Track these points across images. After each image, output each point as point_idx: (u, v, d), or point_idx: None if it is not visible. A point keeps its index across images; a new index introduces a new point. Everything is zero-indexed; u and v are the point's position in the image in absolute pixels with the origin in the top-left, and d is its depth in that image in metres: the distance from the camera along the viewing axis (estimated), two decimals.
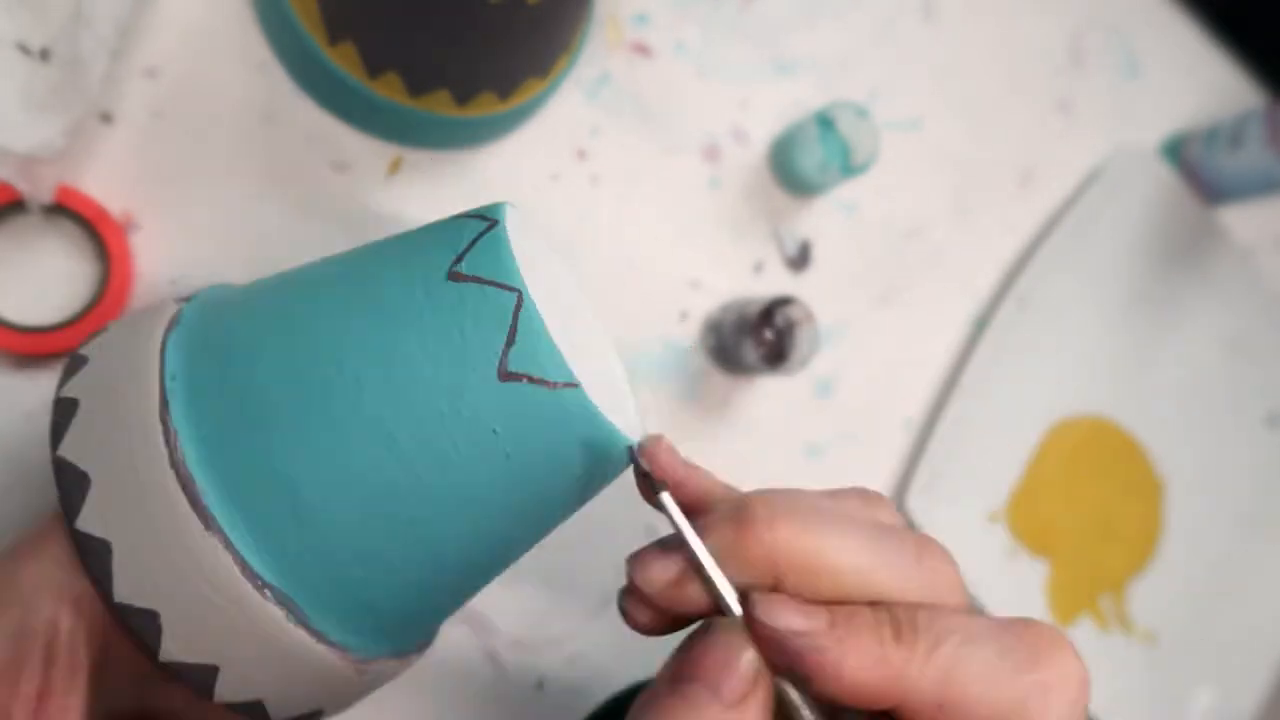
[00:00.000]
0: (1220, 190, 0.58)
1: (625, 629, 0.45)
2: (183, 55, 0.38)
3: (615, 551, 0.44)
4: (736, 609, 0.22)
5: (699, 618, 0.23)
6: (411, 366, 0.23)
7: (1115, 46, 0.60)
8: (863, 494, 0.25)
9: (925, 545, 0.23)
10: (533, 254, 0.26)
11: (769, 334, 0.43)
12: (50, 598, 0.25)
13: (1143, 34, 0.61)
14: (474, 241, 0.24)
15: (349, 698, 0.27)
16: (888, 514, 0.25)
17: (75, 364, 0.26)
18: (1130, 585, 0.56)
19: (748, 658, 0.21)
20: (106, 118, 0.37)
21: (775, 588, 0.22)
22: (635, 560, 0.23)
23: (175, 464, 0.23)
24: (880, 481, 0.50)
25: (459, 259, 0.24)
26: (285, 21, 0.37)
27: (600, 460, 0.24)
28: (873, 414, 0.51)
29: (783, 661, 0.21)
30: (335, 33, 0.36)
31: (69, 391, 0.25)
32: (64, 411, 0.25)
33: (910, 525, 0.49)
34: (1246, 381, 0.61)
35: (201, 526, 0.23)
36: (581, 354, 0.25)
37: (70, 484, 0.24)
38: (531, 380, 0.23)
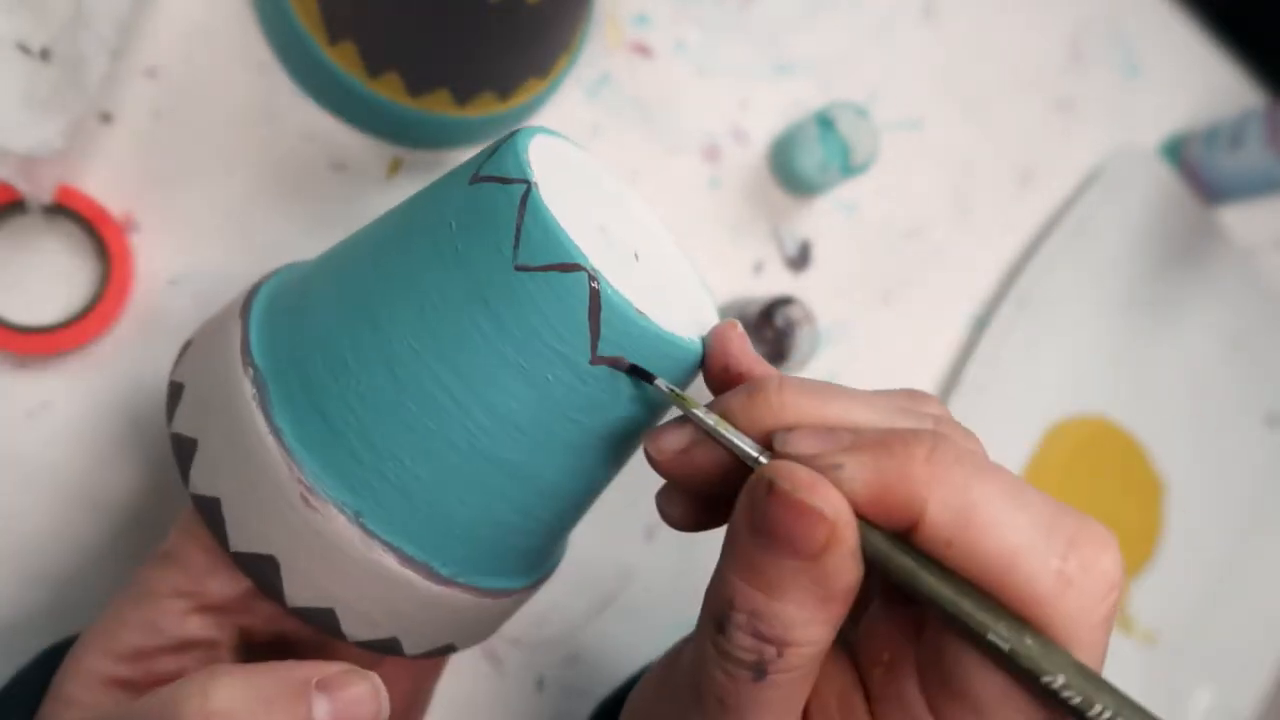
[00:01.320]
0: (1220, 190, 0.58)
1: (625, 629, 0.45)
2: (183, 55, 0.38)
3: (615, 552, 0.44)
4: (751, 450, 0.22)
5: (718, 496, 0.23)
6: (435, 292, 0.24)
7: (1115, 46, 0.60)
8: (908, 391, 0.24)
9: (946, 420, 0.23)
10: (573, 164, 0.26)
11: (769, 334, 0.43)
12: (180, 604, 0.27)
13: (1143, 34, 0.61)
14: (493, 150, 0.25)
15: (479, 630, 0.28)
16: (932, 407, 0.23)
17: (183, 349, 0.29)
18: (1130, 585, 0.56)
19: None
20: (106, 118, 0.37)
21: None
22: (649, 435, 0.24)
23: (272, 430, 0.25)
24: None
25: (479, 167, 0.25)
26: (285, 21, 0.37)
27: (629, 346, 0.24)
28: None
29: None
30: (335, 33, 0.36)
31: (177, 375, 0.28)
32: (173, 392, 0.28)
33: None
34: (1246, 381, 0.61)
35: (298, 485, 0.24)
36: (628, 258, 0.25)
37: (182, 451, 0.26)
38: (546, 269, 0.23)
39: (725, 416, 0.22)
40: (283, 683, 0.22)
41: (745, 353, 0.25)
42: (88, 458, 0.36)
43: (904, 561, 0.20)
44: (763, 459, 0.21)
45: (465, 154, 0.42)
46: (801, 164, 0.47)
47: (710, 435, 0.22)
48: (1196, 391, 0.59)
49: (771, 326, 0.43)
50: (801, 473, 0.20)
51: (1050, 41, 0.58)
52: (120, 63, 0.37)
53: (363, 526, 0.25)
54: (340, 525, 0.24)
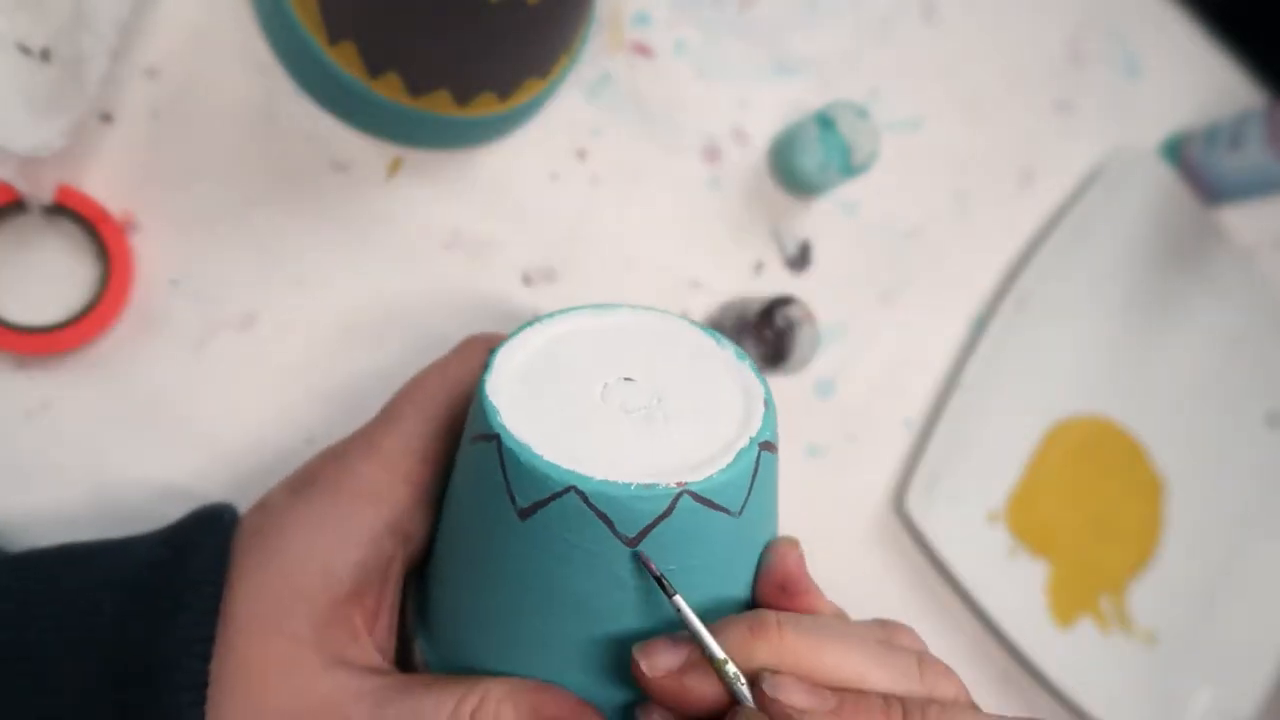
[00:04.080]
0: (1220, 190, 0.58)
1: None
2: (183, 55, 0.38)
3: None
4: (748, 695, 0.23)
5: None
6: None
7: (1115, 46, 0.60)
8: (882, 621, 0.27)
9: (927, 660, 0.25)
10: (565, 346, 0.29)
11: (769, 334, 0.43)
12: (390, 540, 0.29)
13: (1143, 34, 0.61)
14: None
15: None
16: (907, 639, 0.26)
17: None
18: (1130, 585, 0.56)
19: None
20: (106, 118, 0.37)
21: None
22: (642, 648, 0.25)
23: None
24: (880, 481, 0.50)
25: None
26: (285, 21, 0.37)
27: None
28: (873, 414, 0.51)
29: None
30: (335, 33, 0.36)
31: None
32: None
33: (914, 532, 0.49)
34: (1246, 381, 0.61)
35: None
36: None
37: None
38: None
39: (726, 647, 0.24)
40: None
41: (804, 576, 0.26)
42: (87, 458, 0.36)
43: None
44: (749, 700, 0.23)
45: (465, 153, 0.43)
46: (801, 164, 0.47)
47: (715, 669, 0.23)
48: (1196, 391, 0.59)
49: (771, 326, 0.43)
50: None
51: (1050, 41, 0.58)
52: (120, 63, 0.37)
53: None
54: None
